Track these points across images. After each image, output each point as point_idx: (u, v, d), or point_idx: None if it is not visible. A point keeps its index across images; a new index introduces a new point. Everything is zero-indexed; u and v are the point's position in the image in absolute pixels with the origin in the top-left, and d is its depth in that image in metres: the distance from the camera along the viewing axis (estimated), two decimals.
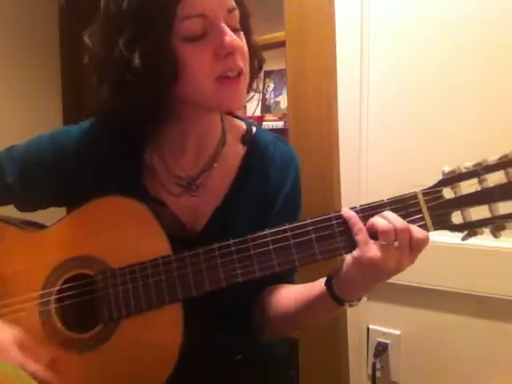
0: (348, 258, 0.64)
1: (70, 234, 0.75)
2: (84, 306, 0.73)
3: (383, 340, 1.17)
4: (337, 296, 0.67)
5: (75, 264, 0.74)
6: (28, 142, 0.84)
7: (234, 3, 0.70)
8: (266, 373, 0.85)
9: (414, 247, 0.62)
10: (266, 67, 1.92)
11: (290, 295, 0.78)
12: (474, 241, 1.01)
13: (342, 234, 0.64)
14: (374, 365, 1.16)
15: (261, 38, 1.35)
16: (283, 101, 1.90)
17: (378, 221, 0.62)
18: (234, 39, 0.67)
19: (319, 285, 0.71)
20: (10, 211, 0.85)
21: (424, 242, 0.62)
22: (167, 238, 0.70)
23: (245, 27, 0.74)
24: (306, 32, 1.16)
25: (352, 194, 1.15)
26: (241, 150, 0.84)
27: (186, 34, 0.66)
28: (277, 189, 0.82)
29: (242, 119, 0.89)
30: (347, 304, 0.68)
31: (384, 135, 1.11)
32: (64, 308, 0.74)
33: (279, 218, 0.79)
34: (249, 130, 0.85)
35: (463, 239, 0.64)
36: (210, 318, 0.75)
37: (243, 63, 0.70)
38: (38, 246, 0.77)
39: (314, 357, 1.25)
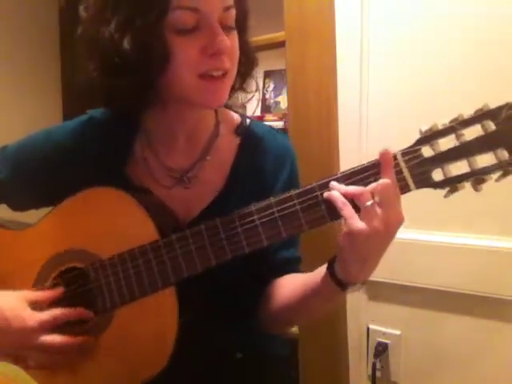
0: (339, 236, 0.64)
1: (56, 228, 0.75)
2: (77, 300, 0.73)
3: (383, 340, 1.17)
4: (339, 279, 0.66)
5: (65, 258, 0.74)
6: (21, 140, 0.85)
7: (231, 1, 0.69)
8: (267, 372, 0.85)
9: (392, 197, 0.61)
10: (266, 67, 1.92)
11: (294, 283, 0.78)
12: (474, 241, 1.02)
13: (326, 202, 0.64)
14: (373, 365, 1.16)
15: (261, 37, 1.36)
16: (283, 101, 1.90)
17: (349, 188, 0.62)
18: (224, 40, 0.67)
19: (322, 270, 0.70)
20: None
21: (394, 187, 0.61)
22: (153, 223, 0.70)
23: (241, 26, 0.74)
24: (305, 32, 1.16)
25: None
26: (235, 141, 0.83)
27: (177, 24, 0.66)
28: (273, 181, 0.82)
29: (236, 112, 0.88)
30: (350, 287, 0.67)
31: (384, 135, 1.11)
32: (57, 303, 0.74)
33: None
34: (243, 122, 0.85)
35: (445, 196, 0.63)
36: (205, 305, 0.74)
37: (230, 64, 0.70)
38: (26, 244, 0.77)
39: (314, 357, 1.25)
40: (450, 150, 0.61)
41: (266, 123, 1.07)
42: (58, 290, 0.73)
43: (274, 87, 1.93)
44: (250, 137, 0.84)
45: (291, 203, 0.65)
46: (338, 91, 1.15)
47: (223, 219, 0.67)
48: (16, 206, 0.86)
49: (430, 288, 1.08)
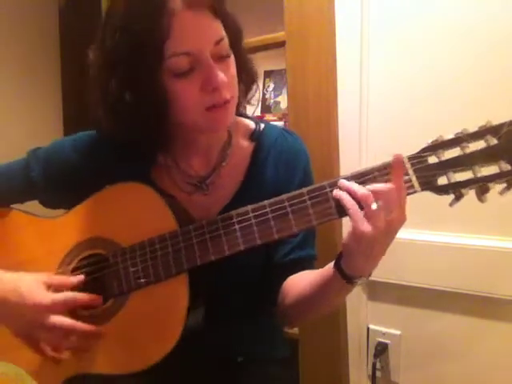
0: (345, 234, 0.67)
1: (83, 218, 0.81)
2: (97, 284, 0.77)
3: (383, 340, 1.17)
4: (345, 273, 0.69)
5: (88, 245, 0.79)
6: (53, 143, 0.90)
7: (221, 33, 0.72)
8: (268, 374, 0.86)
9: (397, 199, 0.63)
10: (266, 67, 1.92)
11: (307, 278, 0.80)
12: (473, 241, 1.02)
13: (335, 199, 0.68)
14: (373, 365, 1.16)
15: (261, 38, 1.36)
16: (283, 101, 1.89)
17: (356, 189, 0.65)
18: (220, 76, 0.70)
19: (330, 266, 0.73)
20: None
21: (400, 190, 0.64)
22: (174, 216, 0.74)
23: (236, 48, 0.77)
24: (305, 32, 1.16)
25: None
26: (249, 148, 0.86)
27: (173, 69, 0.70)
28: (287, 183, 0.84)
29: (250, 118, 0.91)
30: (356, 280, 0.69)
31: (384, 135, 1.11)
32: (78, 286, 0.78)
33: None
34: (257, 128, 0.88)
35: (451, 205, 0.66)
36: (215, 306, 0.76)
37: (230, 92, 0.73)
38: (55, 232, 0.82)
39: (314, 357, 1.25)
40: (454, 159, 0.65)
41: None
42: (77, 278, 0.76)
43: (274, 87, 1.93)
44: (263, 142, 0.87)
45: (302, 199, 0.69)
46: (337, 91, 1.15)
47: (238, 211, 0.71)
48: (47, 204, 0.90)
49: (429, 288, 1.08)
